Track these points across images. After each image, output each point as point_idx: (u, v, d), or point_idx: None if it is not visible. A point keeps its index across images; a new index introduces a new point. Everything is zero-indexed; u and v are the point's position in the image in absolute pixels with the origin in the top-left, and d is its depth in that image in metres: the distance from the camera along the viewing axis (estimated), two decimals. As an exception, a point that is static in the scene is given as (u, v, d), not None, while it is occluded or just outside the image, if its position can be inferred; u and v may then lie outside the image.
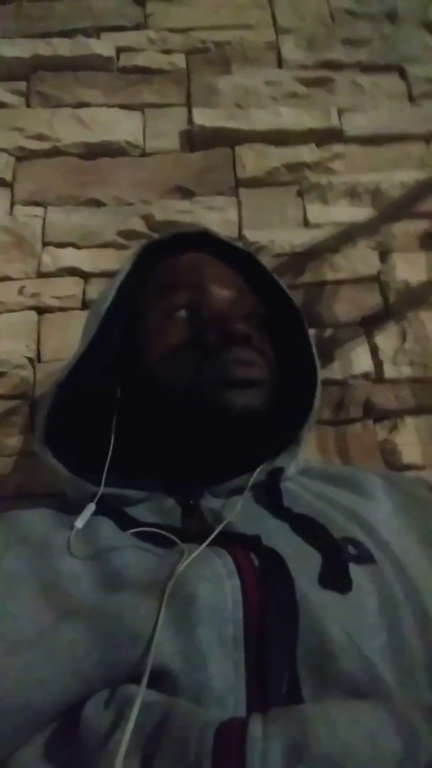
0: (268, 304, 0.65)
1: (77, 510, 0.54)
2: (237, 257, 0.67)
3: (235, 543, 0.46)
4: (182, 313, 0.59)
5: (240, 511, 0.52)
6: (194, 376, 0.55)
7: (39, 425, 0.59)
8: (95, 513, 0.53)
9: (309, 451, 0.78)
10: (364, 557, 0.47)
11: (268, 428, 0.57)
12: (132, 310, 0.62)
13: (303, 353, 0.64)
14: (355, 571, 0.45)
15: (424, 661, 0.42)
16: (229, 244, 0.68)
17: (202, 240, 0.67)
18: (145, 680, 0.35)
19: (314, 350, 0.64)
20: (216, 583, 0.41)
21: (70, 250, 0.92)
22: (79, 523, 0.51)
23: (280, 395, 0.60)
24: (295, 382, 0.62)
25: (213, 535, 0.46)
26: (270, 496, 0.55)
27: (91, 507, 0.53)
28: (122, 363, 0.61)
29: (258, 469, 0.56)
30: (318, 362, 0.63)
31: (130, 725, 0.33)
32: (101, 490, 0.54)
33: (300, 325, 0.65)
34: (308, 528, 0.50)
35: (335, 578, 0.44)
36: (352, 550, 0.48)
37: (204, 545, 0.45)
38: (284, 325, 0.65)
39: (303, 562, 0.45)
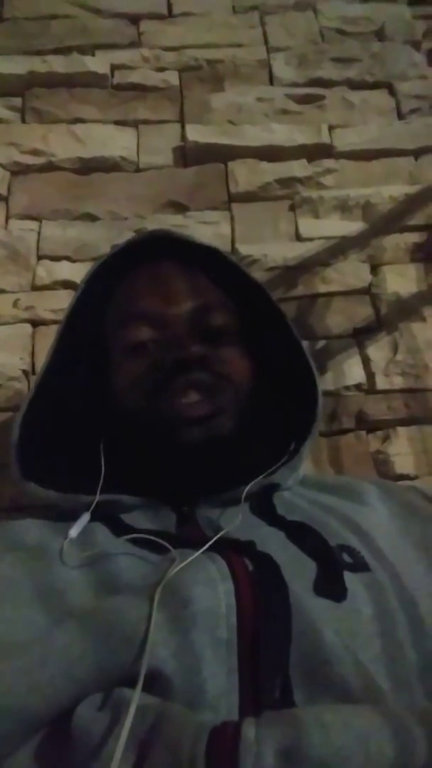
0: (254, 302, 0.65)
1: (72, 517, 0.54)
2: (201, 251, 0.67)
3: (229, 548, 0.46)
4: (138, 343, 0.60)
5: (235, 520, 0.52)
6: (152, 410, 0.56)
7: (13, 463, 0.58)
8: (90, 519, 0.53)
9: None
10: (359, 565, 0.47)
11: (259, 438, 0.57)
12: (99, 332, 0.64)
13: (298, 355, 0.64)
14: (350, 578, 0.45)
15: (418, 669, 0.42)
16: (192, 242, 0.68)
17: (169, 241, 0.67)
18: (140, 684, 0.35)
19: (307, 354, 0.64)
20: (209, 587, 0.41)
21: (64, 264, 0.93)
22: (73, 532, 0.51)
23: (282, 398, 0.60)
24: (295, 385, 0.62)
25: (211, 542, 0.46)
26: (263, 508, 0.55)
27: (86, 516, 0.53)
28: (96, 384, 0.62)
29: (251, 483, 0.56)
30: (315, 370, 0.63)
31: (126, 730, 0.33)
32: (96, 499, 0.54)
33: (285, 323, 0.65)
34: (303, 536, 0.50)
35: (330, 586, 0.44)
36: (347, 557, 0.48)
37: (201, 551, 0.45)
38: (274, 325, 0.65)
39: (298, 570, 0.45)
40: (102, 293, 0.66)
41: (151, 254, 0.66)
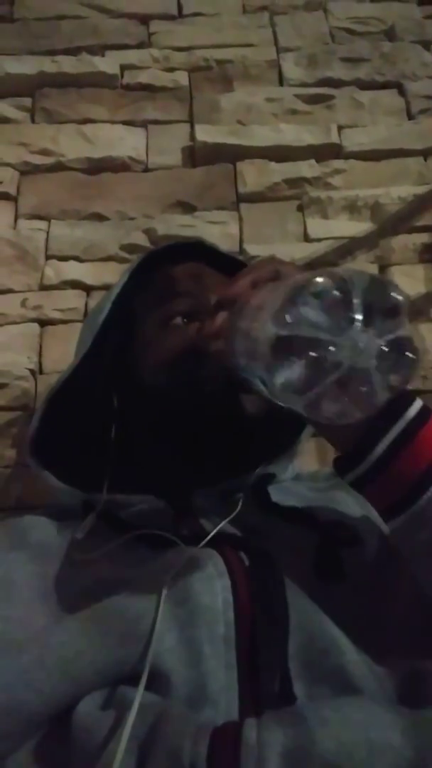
0: None
1: (73, 515, 0.54)
2: (232, 267, 0.67)
3: (226, 544, 0.46)
4: (179, 320, 0.58)
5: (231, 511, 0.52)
6: (197, 382, 0.54)
7: (28, 438, 0.59)
8: None
9: (309, 462, 0.78)
10: (354, 539, 0.48)
11: (263, 433, 0.58)
12: (127, 320, 0.62)
13: None
14: (347, 554, 0.46)
15: (423, 637, 0.42)
16: (222, 253, 0.69)
17: (198, 251, 0.67)
18: (143, 683, 0.36)
19: None
20: (207, 584, 0.42)
21: (72, 264, 0.93)
22: (80, 534, 0.51)
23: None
24: None
25: (210, 536, 0.46)
26: (258, 497, 0.55)
27: (92, 518, 0.53)
28: (118, 372, 0.61)
29: (256, 471, 0.57)
30: None
31: (127, 731, 0.33)
32: (103, 498, 0.54)
33: None
34: (297, 519, 0.51)
35: (327, 569, 0.45)
36: (342, 534, 0.49)
37: (200, 545, 0.45)
38: None
39: (294, 556, 0.46)
40: (129, 290, 0.65)
41: (178, 259, 0.66)
